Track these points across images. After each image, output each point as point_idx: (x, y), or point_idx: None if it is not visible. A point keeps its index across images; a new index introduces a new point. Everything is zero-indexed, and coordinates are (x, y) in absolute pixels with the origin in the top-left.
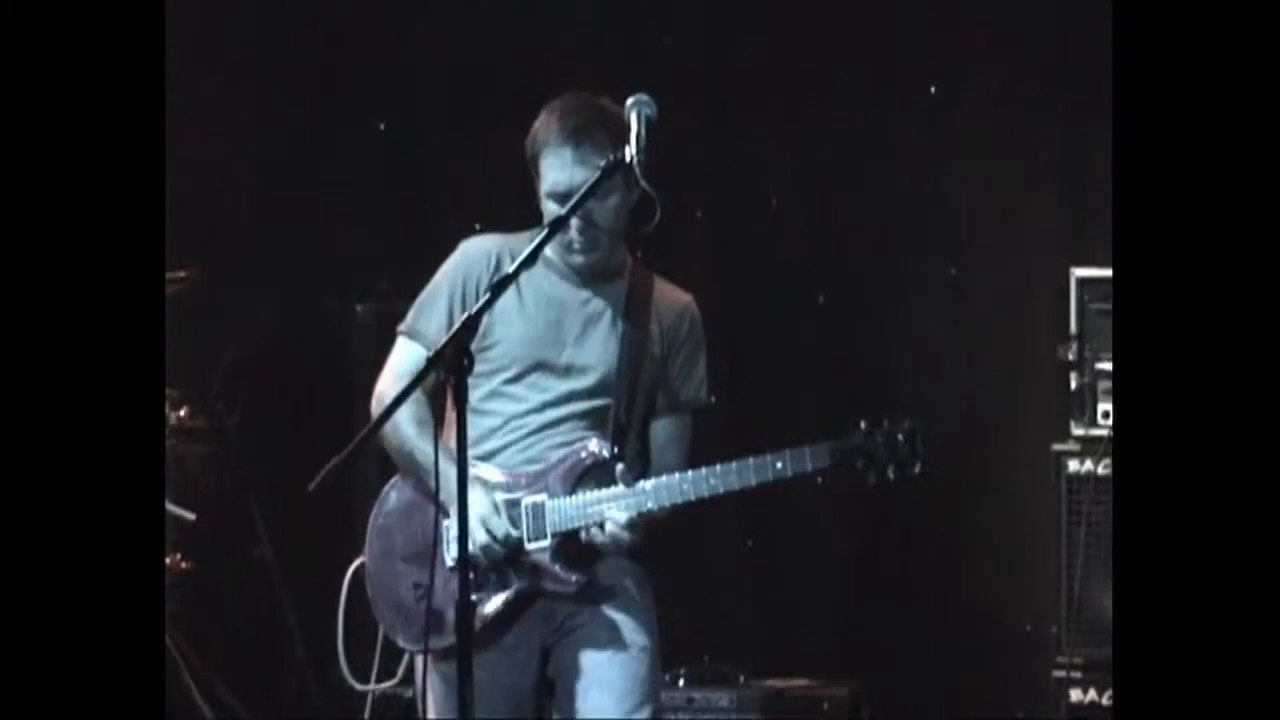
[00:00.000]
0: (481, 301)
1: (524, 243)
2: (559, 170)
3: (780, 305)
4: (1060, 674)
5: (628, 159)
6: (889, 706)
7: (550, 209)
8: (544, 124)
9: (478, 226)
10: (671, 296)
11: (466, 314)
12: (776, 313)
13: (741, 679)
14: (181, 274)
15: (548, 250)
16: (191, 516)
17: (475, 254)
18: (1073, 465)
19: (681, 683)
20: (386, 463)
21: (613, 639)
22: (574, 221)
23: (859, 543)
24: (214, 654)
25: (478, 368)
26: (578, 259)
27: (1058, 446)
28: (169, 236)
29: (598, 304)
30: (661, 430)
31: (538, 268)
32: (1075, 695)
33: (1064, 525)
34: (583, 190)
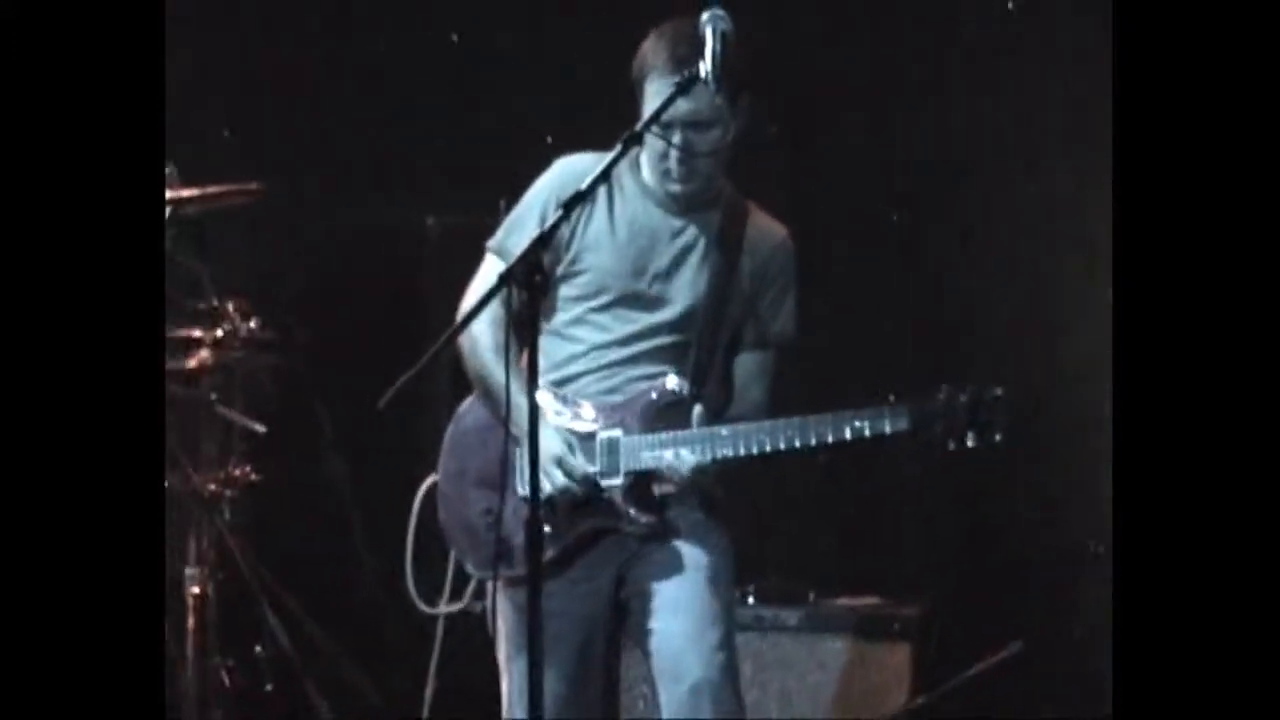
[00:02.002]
0: (555, 218)
1: (621, 162)
2: (662, 99)
3: (853, 224)
4: None
5: (701, 75)
6: (958, 626)
7: (652, 132)
8: (652, 48)
9: (549, 140)
10: (766, 228)
11: (539, 231)
12: (850, 231)
13: (811, 597)
14: (253, 186)
15: (645, 176)
16: (261, 428)
17: (569, 172)
18: None
19: (750, 600)
20: (459, 377)
21: (686, 565)
22: (673, 150)
23: (929, 462)
24: (282, 567)
25: (565, 292)
26: (675, 187)
27: None
28: (242, 149)
29: (690, 234)
30: (746, 365)
31: (633, 194)
32: None
33: None
34: (654, 109)
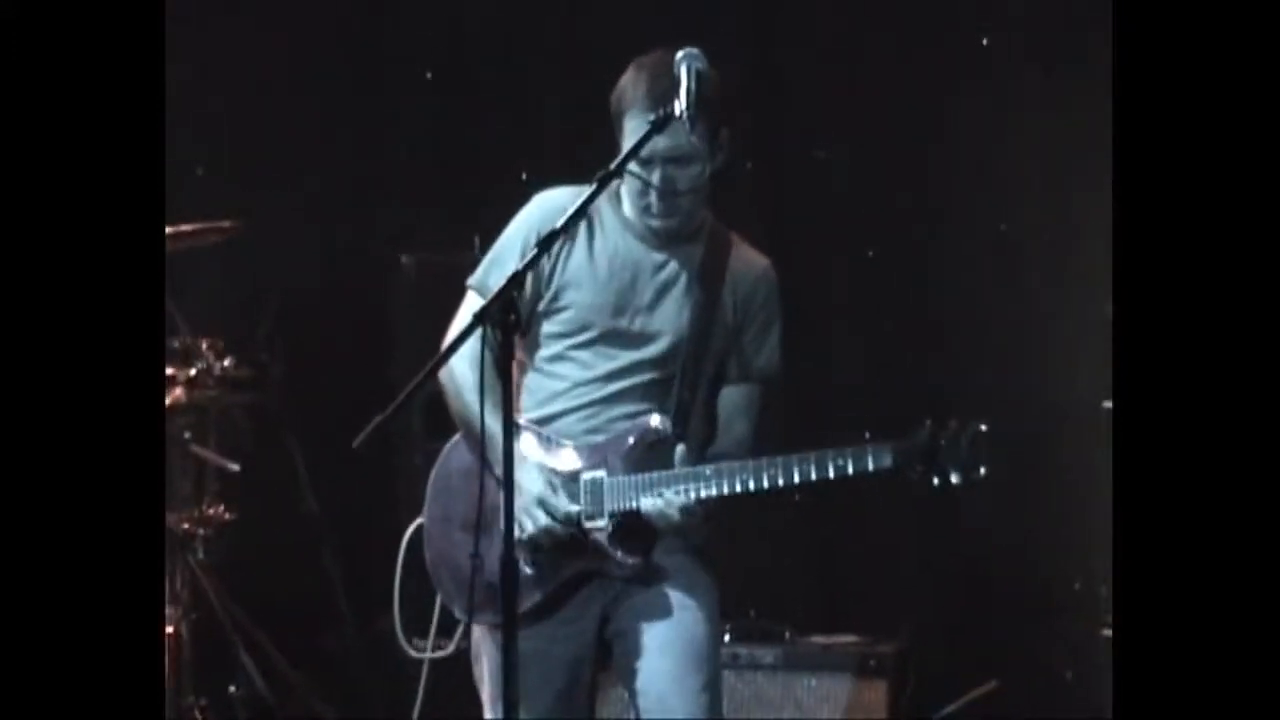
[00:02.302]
0: (530, 256)
1: (601, 196)
2: (641, 136)
3: (829, 259)
4: (1108, 633)
5: (677, 114)
6: (936, 664)
7: (631, 169)
8: (630, 83)
9: (524, 176)
10: (749, 260)
11: (513, 271)
12: (825, 266)
13: (787, 635)
14: (226, 224)
15: (626, 210)
16: (235, 467)
17: (548, 207)
18: None
19: (727, 638)
20: (431, 416)
21: (672, 605)
22: (654, 187)
23: (907, 499)
24: (256, 606)
25: (547, 328)
26: (655, 223)
27: (1108, 404)
28: (215, 187)
29: (672, 268)
30: (730, 399)
31: (614, 228)
32: None
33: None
34: (630, 147)
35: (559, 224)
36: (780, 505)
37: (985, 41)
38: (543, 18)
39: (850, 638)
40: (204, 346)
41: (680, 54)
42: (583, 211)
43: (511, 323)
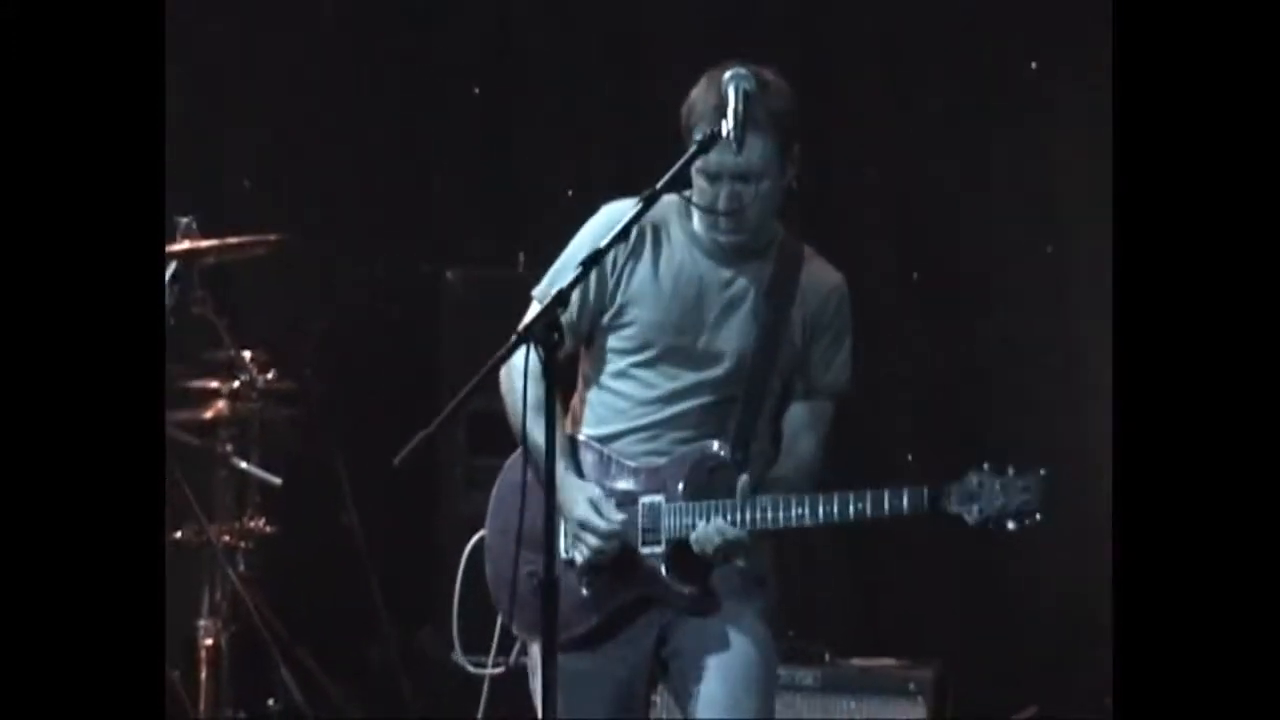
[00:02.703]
0: (572, 276)
1: (666, 208)
2: (716, 149)
3: (875, 280)
4: None
5: (724, 133)
6: (975, 689)
7: (700, 184)
8: (700, 96)
9: (570, 193)
10: (820, 276)
11: (557, 289)
12: (870, 288)
13: (827, 657)
14: (272, 237)
15: (695, 225)
16: (277, 481)
17: (615, 219)
18: None
19: None
20: (474, 430)
21: (729, 629)
22: (722, 203)
23: (948, 524)
24: (296, 619)
25: (612, 343)
26: (723, 239)
27: None
28: (263, 200)
29: (741, 285)
30: (797, 415)
31: (680, 243)
32: None
33: None
34: (680, 163)
35: (603, 242)
36: (822, 528)
37: (1034, 65)
38: (590, 33)
39: (889, 661)
40: (247, 359)
41: (728, 74)
42: (627, 231)
43: (555, 340)
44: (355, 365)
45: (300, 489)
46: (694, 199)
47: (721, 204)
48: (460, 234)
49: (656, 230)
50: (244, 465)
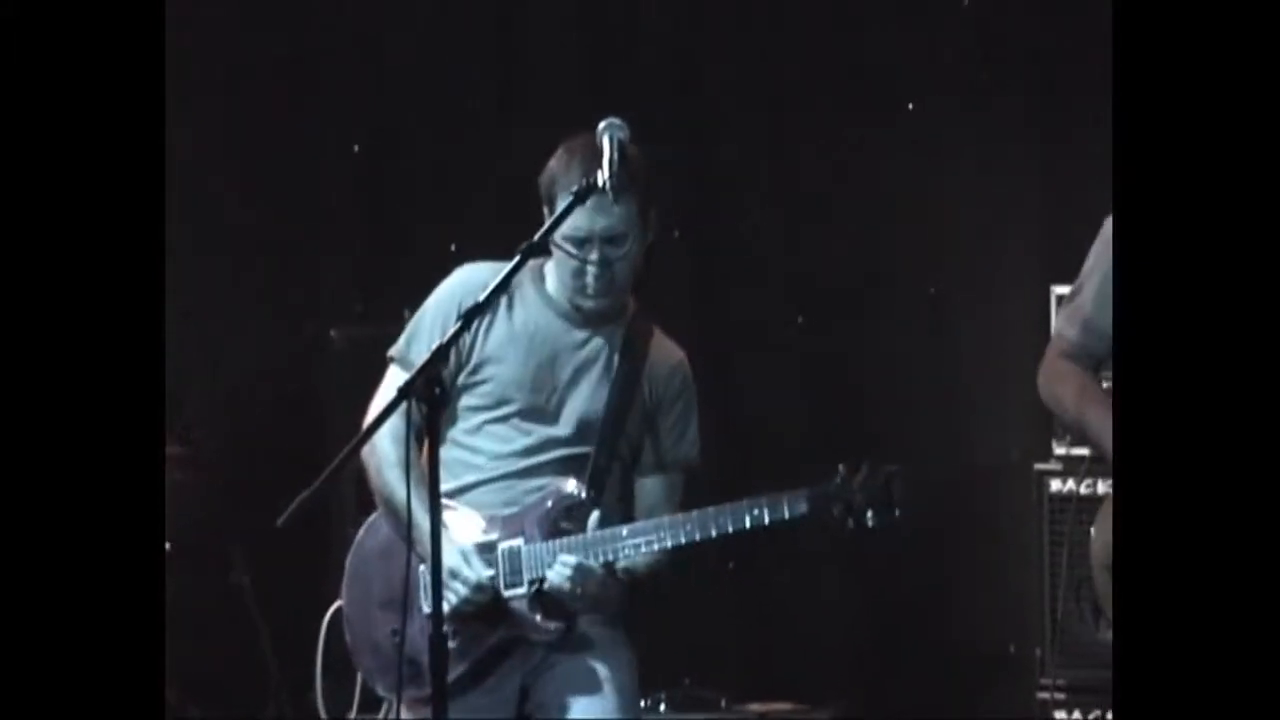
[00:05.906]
0: (451, 331)
1: (522, 271)
2: (578, 216)
3: (759, 325)
4: (1044, 695)
5: (600, 184)
6: None
7: (567, 250)
8: (562, 165)
9: (453, 249)
10: (666, 351)
11: (436, 344)
12: (755, 332)
13: (723, 703)
14: None
15: (549, 288)
16: (165, 545)
17: (471, 280)
18: (1055, 485)
19: (663, 708)
20: (364, 490)
21: (591, 676)
22: (590, 265)
23: (841, 564)
24: (190, 680)
25: (466, 401)
26: (589, 303)
27: (1040, 466)
28: None
29: (593, 348)
30: (650, 489)
31: (535, 305)
32: (1059, 717)
33: (1046, 546)
34: (553, 219)
35: (481, 297)
36: (714, 572)
37: (911, 106)
38: (471, 90)
39: (786, 705)
40: None
41: (602, 124)
42: (505, 285)
43: (437, 396)
44: (243, 426)
45: (189, 552)
46: (555, 262)
47: (592, 268)
48: (344, 292)
49: (511, 292)
50: None
